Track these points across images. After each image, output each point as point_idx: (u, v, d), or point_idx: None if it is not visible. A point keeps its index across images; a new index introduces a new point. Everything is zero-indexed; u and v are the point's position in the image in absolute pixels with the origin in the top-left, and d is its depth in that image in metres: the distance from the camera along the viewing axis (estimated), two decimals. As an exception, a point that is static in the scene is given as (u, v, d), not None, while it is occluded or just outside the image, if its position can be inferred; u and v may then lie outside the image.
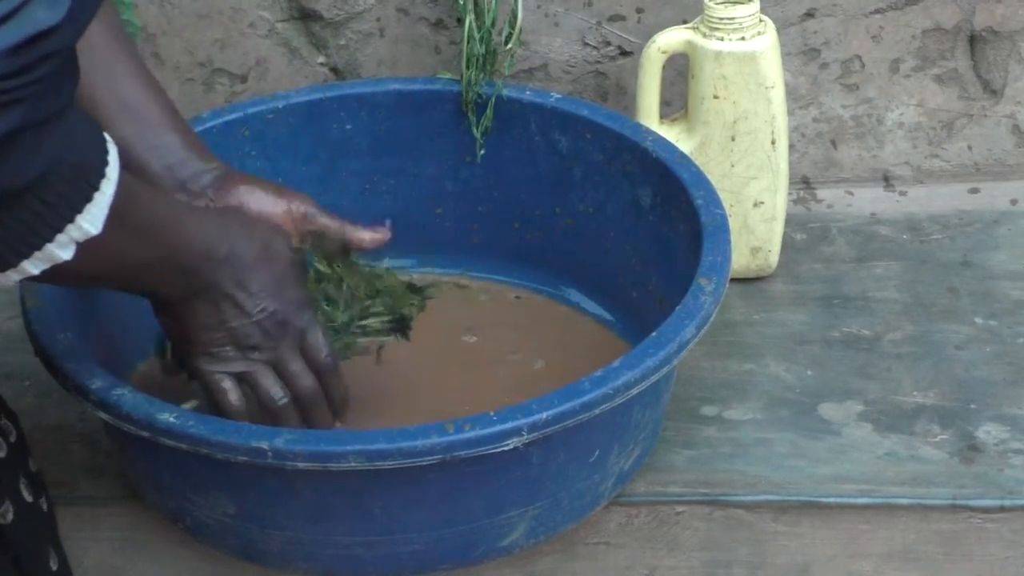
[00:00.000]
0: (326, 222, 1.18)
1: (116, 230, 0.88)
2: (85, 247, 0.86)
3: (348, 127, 1.38)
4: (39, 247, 0.84)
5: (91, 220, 0.86)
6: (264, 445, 0.99)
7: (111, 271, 0.96)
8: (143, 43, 1.51)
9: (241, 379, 1.08)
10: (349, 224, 1.19)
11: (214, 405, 1.09)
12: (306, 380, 1.11)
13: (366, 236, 1.20)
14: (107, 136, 0.88)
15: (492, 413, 1.01)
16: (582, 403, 1.02)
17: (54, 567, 1.01)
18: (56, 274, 0.87)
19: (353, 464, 0.99)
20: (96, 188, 0.86)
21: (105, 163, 0.87)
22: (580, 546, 1.18)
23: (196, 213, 1.07)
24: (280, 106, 1.36)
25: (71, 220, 0.85)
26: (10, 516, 0.95)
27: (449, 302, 1.39)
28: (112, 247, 0.90)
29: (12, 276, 0.86)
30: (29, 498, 0.98)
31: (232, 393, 1.08)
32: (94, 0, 0.80)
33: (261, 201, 1.15)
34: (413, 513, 1.07)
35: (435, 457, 0.99)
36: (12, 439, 0.97)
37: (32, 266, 0.85)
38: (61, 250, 0.85)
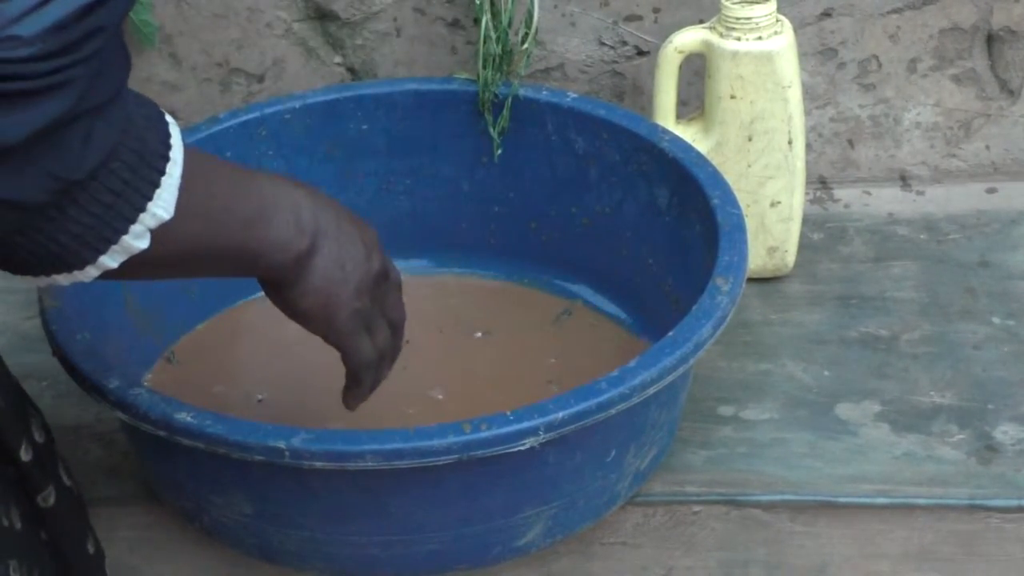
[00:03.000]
0: None
1: (191, 211, 0.86)
2: (161, 232, 0.84)
3: (365, 127, 1.38)
4: (115, 240, 0.81)
5: (163, 205, 0.83)
6: (281, 444, 0.99)
7: (197, 253, 0.91)
8: (160, 43, 1.51)
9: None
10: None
11: (355, 353, 1.04)
12: (387, 332, 1.06)
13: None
14: (167, 115, 0.85)
15: (509, 413, 1.01)
16: (598, 403, 1.02)
17: (91, 551, 1.02)
18: (137, 265, 0.84)
19: (370, 463, 0.99)
20: (162, 172, 0.83)
21: (168, 145, 0.84)
22: (597, 546, 1.18)
23: (269, 177, 1.00)
24: (297, 106, 1.36)
25: (143, 209, 0.82)
26: (52, 500, 0.95)
27: (464, 301, 1.39)
28: (191, 228, 0.87)
29: (91, 272, 0.83)
30: (68, 482, 0.98)
31: (367, 344, 1.04)
32: None
33: None
34: (430, 513, 1.07)
35: (452, 456, 0.99)
36: (43, 426, 0.98)
37: (111, 259, 0.82)
38: (137, 240, 0.82)
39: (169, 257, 0.87)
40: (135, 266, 0.85)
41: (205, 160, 0.92)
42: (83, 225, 0.79)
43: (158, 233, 0.83)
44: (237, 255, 0.94)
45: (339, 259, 0.99)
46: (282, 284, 0.98)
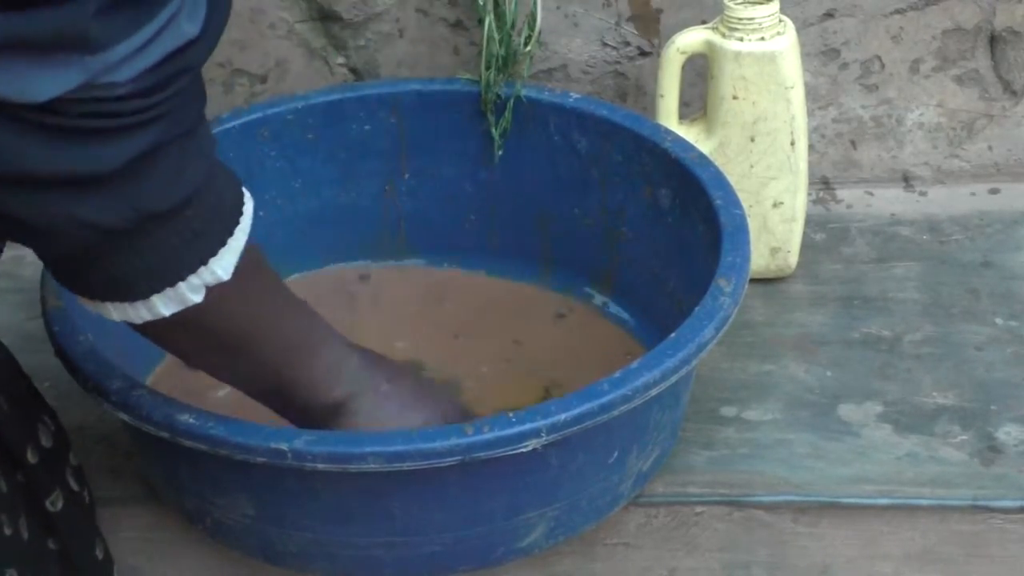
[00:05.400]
0: None
1: (244, 291, 0.90)
2: (215, 295, 0.87)
3: (367, 128, 1.38)
4: (172, 283, 0.85)
5: (224, 266, 0.87)
6: (283, 446, 0.99)
7: (238, 343, 0.96)
8: (163, 44, 1.52)
9: None
10: None
11: None
12: None
13: None
14: (244, 186, 0.89)
15: (511, 414, 1.01)
16: (601, 404, 1.02)
17: (100, 556, 1.02)
18: (180, 326, 0.89)
19: (372, 465, 0.99)
20: (231, 233, 0.87)
21: (240, 212, 0.88)
22: (599, 547, 1.18)
23: (326, 325, 1.06)
24: (299, 107, 1.36)
25: (205, 262, 0.86)
26: (60, 504, 0.96)
27: (465, 302, 1.39)
28: (240, 307, 0.92)
29: (143, 313, 0.87)
30: (76, 487, 0.99)
31: None
32: (224, 13, 0.82)
33: None
34: (432, 514, 1.07)
35: (454, 458, 0.99)
36: (54, 430, 0.98)
37: (163, 304, 0.86)
38: (192, 292, 0.86)
39: (211, 331, 0.92)
40: (177, 327, 0.89)
41: (267, 263, 0.96)
42: (148, 260, 0.84)
43: (211, 295, 0.87)
44: (275, 371, 1.00)
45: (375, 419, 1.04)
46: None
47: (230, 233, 0.87)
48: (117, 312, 0.88)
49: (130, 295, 0.86)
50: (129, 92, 0.74)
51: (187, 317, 0.88)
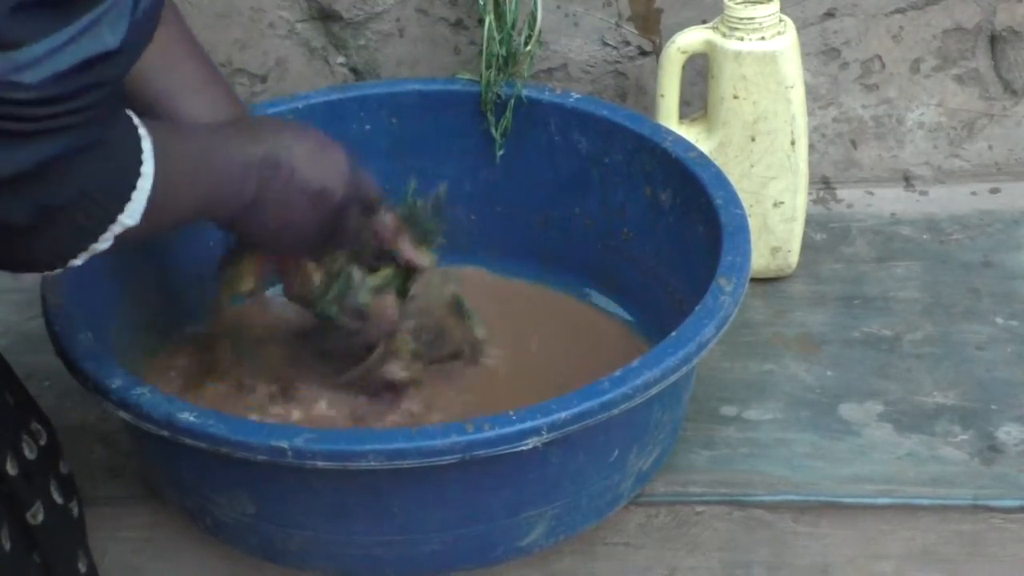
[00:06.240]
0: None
1: (157, 206, 0.89)
2: (123, 233, 0.88)
3: (367, 127, 1.38)
4: (85, 249, 0.86)
5: (130, 215, 0.87)
6: (284, 444, 0.99)
7: (161, 230, 0.96)
8: (163, 44, 1.52)
9: None
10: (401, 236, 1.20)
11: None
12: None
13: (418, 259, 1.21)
14: (138, 124, 0.87)
15: (511, 412, 1.01)
16: (601, 403, 1.02)
17: (83, 570, 1.01)
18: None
19: (372, 463, 0.99)
20: (133, 187, 0.87)
21: (140, 162, 0.87)
22: (600, 546, 1.18)
23: (231, 133, 1.06)
24: (300, 106, 1.36)
25: (113, 221, 0.86)
26: (40, 517, 0.95)
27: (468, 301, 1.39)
28: (153, 222, 0.90)
29: (59, 272, 0.88)
30: (60, 500, 0.98)
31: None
32: (149, 31, 0.81)
33: None
34: (432, 513, 1.07)
35: (454, 456, 0.99)
36: (43, 442, 0.98)
37: (80, 260, 0.87)
38: (102, 244, 0.87)
39: (137, 238, 0.91)
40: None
41: (175, 143, 0.95)
42: (55, 240, 0.84)
43: (120, 237, 0.87)
44: (193, 218, 1.01)
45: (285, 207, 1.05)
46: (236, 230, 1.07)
47: (133, 187, 0.86)
48: (39, 275, 0.91)
49: (51, 266, 0.86)
50: (36, 97, 0.73)
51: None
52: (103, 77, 0.76)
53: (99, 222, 0.85)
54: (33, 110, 0.74)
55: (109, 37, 0.75)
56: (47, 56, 0.72)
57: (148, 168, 0.87)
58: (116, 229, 0.86)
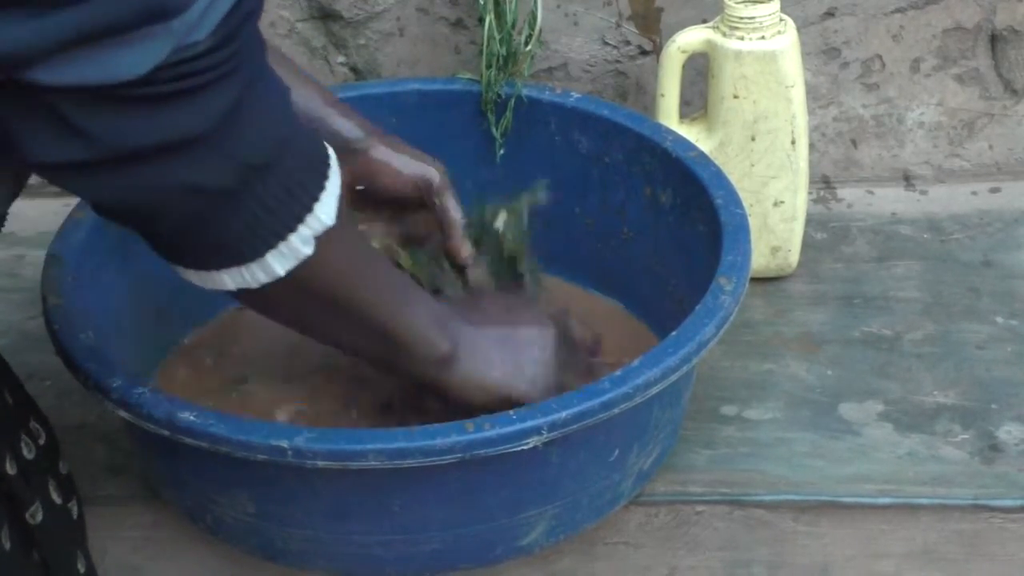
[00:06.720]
0: (447, 203, 1.20)
1: (344, 239, 0.91)
2: (322, 242, 0.88)
3: (368, 127, 1.38)
4: (284, 236, 0.87)
5: (327, 211, 0.88)
6: (284, 444, 0.99)
7: (347, 297, 0.97)
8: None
9: None
10: (458, 230, 1.20)
11: None
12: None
13: (464, 252, 1.21)
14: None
15: (512, 412, 1.01)
16: (601, 402, 1.02)
17: (82, 570, 1.01)
18: (292, 289, 0.90)
19: (373, 463, 0.99)
20: (326, 176, 0.88)
21: (327, 155, 0.89)
22: (600, 546, 1.18)
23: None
24: (300, 106, 1.36)
25: (311, 208, 0.87)
26: (40, 517, 0.95)
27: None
28: (343, 260, 0.93)
29: (260, 276, 0.88)
30: (59, 500, 0.98)
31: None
32: None
33: (399, 161, 1.20)
34: (432, 512, 1.07)
35: (455, 456, 0.99)
36: (42, 442, 0.98)
37: (278, 262, 0.87)
38: (304, 244, 0.88)
39: (321, 287, 0.93)
40: (289, 289, 0.90)
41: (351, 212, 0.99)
42: (258, 216, 0.84)
43: (320, 244, 0.88)
44: (382, 323, 1.01)
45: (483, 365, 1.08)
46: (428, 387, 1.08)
47: (325, 177, 0.88)
48: (232, 279, 0.88)
49: (245, 256, 0.87)
50: (209, 47, 0.75)
51: (299, 276, 0.89)
52: (251, 8, 0.78)
53: (298, 203, 0.86)
54: (209, 59, 0.76)
55: None
56: (208, 8, 0.74)
57: (335, 165, 0.89)
58: (315, 225, 0.87)
